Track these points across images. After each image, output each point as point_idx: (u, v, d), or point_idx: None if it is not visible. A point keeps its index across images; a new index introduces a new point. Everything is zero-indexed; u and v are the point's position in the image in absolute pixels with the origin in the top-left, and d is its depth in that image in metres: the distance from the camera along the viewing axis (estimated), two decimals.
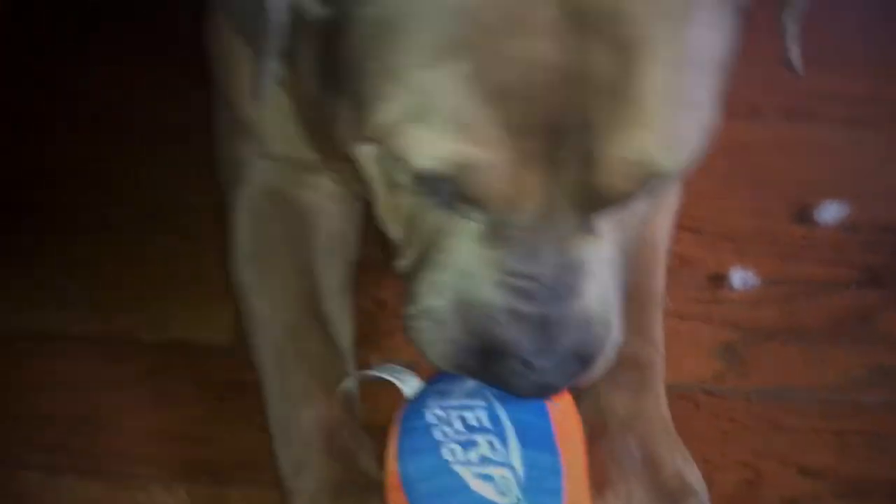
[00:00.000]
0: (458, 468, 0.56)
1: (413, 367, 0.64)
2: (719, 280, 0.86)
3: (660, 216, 0.78)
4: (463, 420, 0.58)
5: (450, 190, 0.52)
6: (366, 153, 0.56)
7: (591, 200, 0.52)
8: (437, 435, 0.58)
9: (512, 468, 0.56)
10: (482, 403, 0.59)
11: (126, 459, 0.74)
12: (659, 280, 0.76)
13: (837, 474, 0.72)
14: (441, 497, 0.56)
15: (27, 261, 0.87)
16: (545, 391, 0.57)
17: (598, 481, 0.63)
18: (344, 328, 0.75)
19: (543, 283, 0.54)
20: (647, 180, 0.51)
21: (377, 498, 0.62)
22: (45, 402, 0.78)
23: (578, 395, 0.66)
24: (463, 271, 0.56)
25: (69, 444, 0.75)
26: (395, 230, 0.60)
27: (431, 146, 0.49)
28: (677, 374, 0.73)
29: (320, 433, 0.67)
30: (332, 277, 0.76)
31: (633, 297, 0.70)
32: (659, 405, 0.69)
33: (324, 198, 0.78)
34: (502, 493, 0.56)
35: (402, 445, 0.59)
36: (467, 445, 0.57)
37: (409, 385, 0.63)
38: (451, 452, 0.57)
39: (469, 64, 0.47)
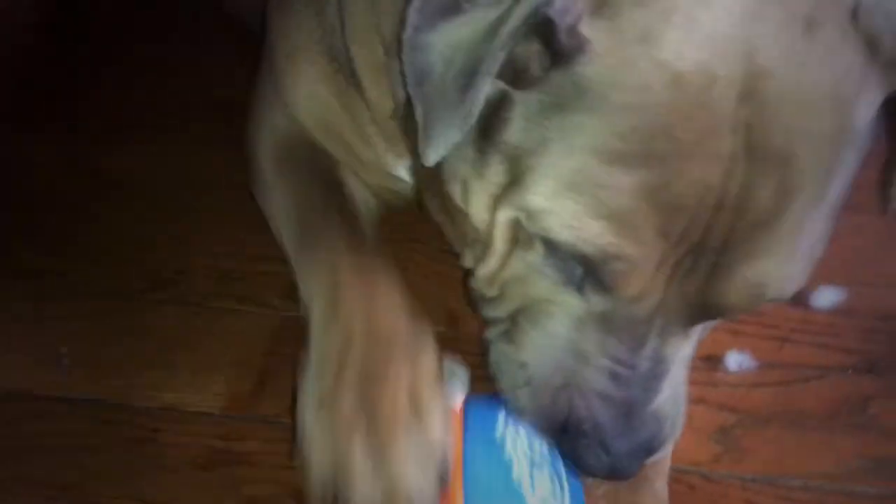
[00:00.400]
0: (518, 488, 0.58)
1: None
2: (715, 362, 0.85)
3: None
4: (531, 445, 0.60)
5: (579, 271, 0.56)
6: (502, 215, 0.57)
7: (705, 309, 0.56)
8: (507, 450, 0.59)
9: None
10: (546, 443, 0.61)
11: None
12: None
13: None
14: None
15: (25, 325, 0.87)
16: (614, 473, 0.59)
17: None
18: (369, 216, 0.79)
19: (638, 373, 0.57)
20: (757, 305, 0.55)
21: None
22: (31, 465, 0.77)
23: None
24: (571, 346, 0.59)
25: None
26: (488, 290, 0.63)
27: (589, 229, 0.52)
28: (674, 456, 0.71)
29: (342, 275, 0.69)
30: (358, 195, 0.80)
31: None
32: (657, 500, 0.68)
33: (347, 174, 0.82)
34: None
35: (469, 455, 0.60)
36: (532, 472, 0.59)
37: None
38: (519, 476, 0.59)
39: (653, 174, 0.50)
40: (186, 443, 0.78)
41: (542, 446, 0.61)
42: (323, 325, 0.66)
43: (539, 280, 0.59)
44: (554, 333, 0.60)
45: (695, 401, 0.81)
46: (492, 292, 0.63)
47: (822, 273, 0.91)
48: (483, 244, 0.60)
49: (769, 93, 0.50)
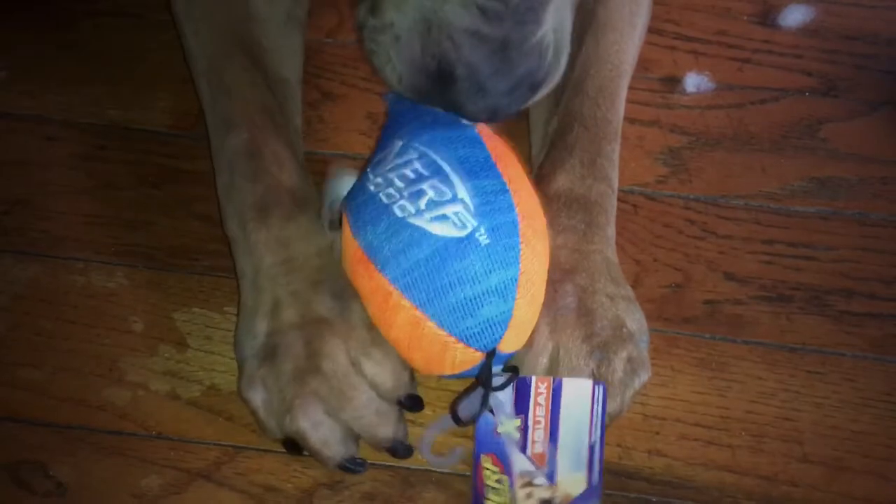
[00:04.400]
0: (412, 220, 0.58)
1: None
2: (673, 84, 0.84)
3: (625, 36, 0.75)
4: (403, 177, 0.60)
5: None
6: None
7: None
8: (384, 199, 0.59)
9: (461, 201, 0.58)
10: (415, 155, 0.60)
11: (63, 241, 0.74)
12: (619, 110, 0.73)
13: (761, 280, 0.73)
14: (406, 251, 0.58)
15: None
16: (496, 114, 0.58)
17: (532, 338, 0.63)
18: (289, 61, 0.75)
19: (509, 4, 0.54)
20: None
21: (304, 214, 0.65)
22: None
23: None
24: None
25: (4, 225, 0.75)
26: None
27: None
28: (620, 177, 0.72)
29: (241, 157, 0.67)
30: (272, 9, 0.74)
31: (589, 127, 0.70)
32: (605, 248, 0.66)
33: None
34: (461, 226, 0.58)
35: (355, 221, 0.61)
36: (414, 197, 0.59)
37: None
38: (402, 209, 0.59)
39: None
40: (134, 160, 0.78)
41: (412, 164, 0.60)
42: (247, 257, 0.65)
43: None
44: None
45: (647, 122, 0.82)
46: None
47: None
48: None
49: None
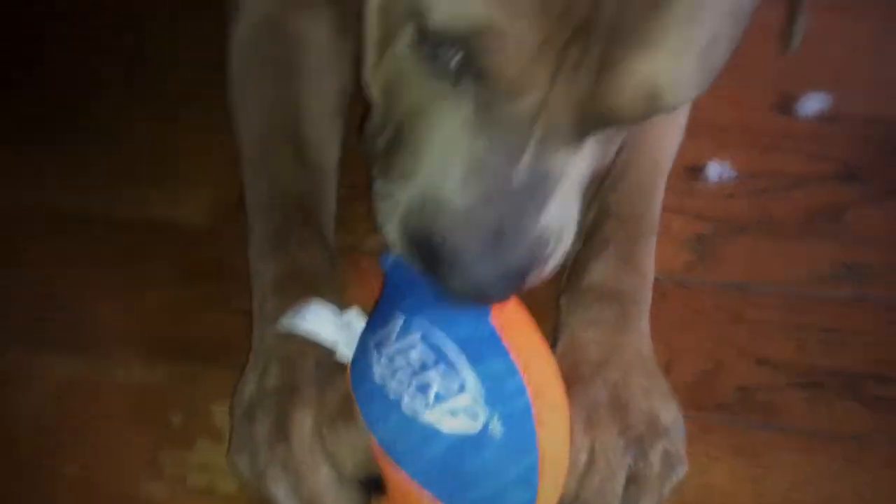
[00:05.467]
0: (421, 418, 0.56)
1: None
2: (696, 172, 0.86)
3: (667, 136, 0.78)
4: (407, 362, 0.58)
5: (455, 57, 0.50)
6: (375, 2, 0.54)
7: (594, 114, 0.51)
8: (390, 395, 0.57)
9: (469, 391, 0.56)
10: (418, 336, 0.58)
11: (105, 337, 0.76)
12: (656, 206, 0.74)
13: (793, 366, 0.74)
14: (420, 449, 0.57)
15: (5, 138, 0.87)
16: (483, 298, 0.56)
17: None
18: (328, 151, 0.77)
19: (513, 188, 0.53)
20: (651, 112, 0.51)
21: (317, 295, 0.65)
22: (20, 279, 0.79)
23: (553, 340, 0.67)
24: (436, 160, 0.54)
25: (48, 322, 0.77)
26: (376, 94, 0.59)
27: (458, 2, 0.47)
28: None
29: (270, 240, 0.69)
30: (318, 103, 0.77)
31: (626, 223, 0.71)
32: (638, 341, 0.66)
33: (320, 29, 0.79)
34: (473, 419, 0.56)
35: (366, 414, 0.59)
36: (422, 390, 0.57)
37: (347, 345, 0.64)
38: (410, 406, 0.57)
39: None
40: (173, 256, 0.80)
41: (417, 348, 0.58)
42: (259, 328, 0.68)
43: (413, 83, 0.55)
44: (426, 151, 0.55)
45: (672, 210, 0.83)
46: (375, 94, 0.59)
47: (809, 78, 0.91)
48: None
49: None
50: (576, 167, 0.55)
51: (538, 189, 0.53)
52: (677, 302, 0.77)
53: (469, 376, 0.57)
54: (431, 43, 0.51)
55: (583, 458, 0.61)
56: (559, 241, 0.57)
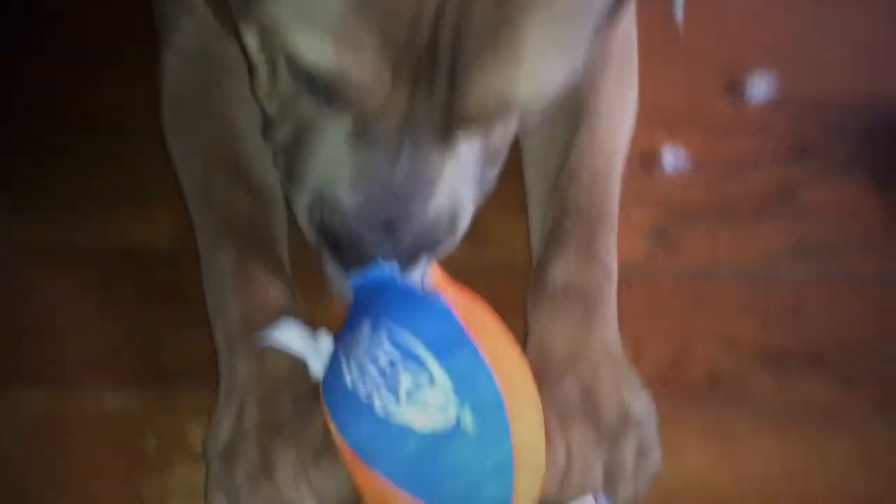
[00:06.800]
0: (393, 417, 0.56)
1: None
2: (650, 160, 0.87)
3: (618, 124, 0.79)
4: (376, 363, 0.58)
5: (324, 89, 0.56)
6: (251, 37, 0.60)
7: (451, 121, 0.57)
8: (362, 397, 0.58)
9: (439, 386, 0.57)
10: (384, 336, 0.59)
11: (74, 367, 0.75)
12: (614, 198, 0.75)
13: (759, 346, 0.75)
14: (393, 449, 0.57)
15: None
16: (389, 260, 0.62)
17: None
18: (271, 172, 0.76)
19: (396, 187, 0.59)
20: (504, 114, 0.56)
21: (293, 312, 0.68)
22: None
23: (524, 342, 0.67)
24: (326, 169, 0.61)
25: (14, 355, 0.76)
26: (270, 108, 0.65)
27: (312, 49, 0.53)
28: None
29: (229, 275, 0.70)
30: (254, 125, 0.75)
31: (584, 217, 0.71)
32: (606, 335, 0.67)
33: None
34: (444, 414, 0.56)
35: (337, 420, 0.59)
36: (392, 389, 0.57)
37: (318, 358, 0.64)
38: (384, 407, 0.57)
39: None
40: (140, 282, 0.80)
41: (383, 347, 0.59)
42: (227, 366, 0.68)
43: (300, 103, 0.61)
44: (317, 159, 0.62)
45: (630, 200, 0.84)
46: (271, 110, 0.65)
47: (755, 59, 0.93)
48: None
49: None
50: (456, 159, 0.61)
51: (420, 184, 0.60)
52: (641, 292, 0.78)
53: (437, 371, 0.57)
54: (303, 76, 0.57)
55: (561, 458, 0.61)
56: (455, 220, 0.63)
